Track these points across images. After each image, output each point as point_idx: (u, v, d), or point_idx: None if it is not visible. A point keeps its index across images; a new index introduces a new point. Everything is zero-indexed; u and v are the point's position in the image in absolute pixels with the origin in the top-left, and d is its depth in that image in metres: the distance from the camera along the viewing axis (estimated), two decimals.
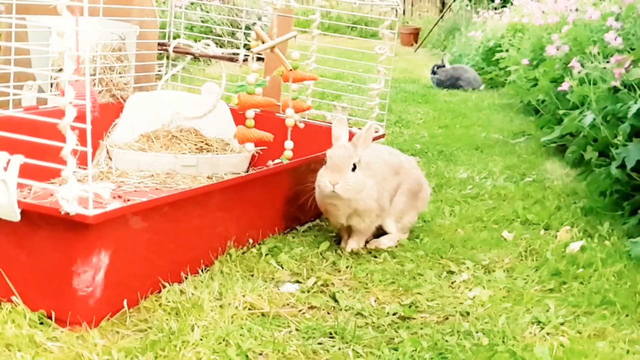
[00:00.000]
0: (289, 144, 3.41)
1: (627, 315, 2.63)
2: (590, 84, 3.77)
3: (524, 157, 5.09)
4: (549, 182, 4.39)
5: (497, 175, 4.54)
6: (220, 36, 7.99)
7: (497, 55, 8.31)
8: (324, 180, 2.92)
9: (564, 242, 3.31)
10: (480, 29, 10.59)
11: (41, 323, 2.24)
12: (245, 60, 4.25)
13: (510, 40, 8.36)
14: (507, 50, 7.90)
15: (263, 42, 3.62)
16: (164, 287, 2.52)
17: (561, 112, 4.39)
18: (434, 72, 9.16)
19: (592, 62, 3.76)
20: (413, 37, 17.14)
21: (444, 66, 9.12)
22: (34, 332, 2.15)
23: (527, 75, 6.09)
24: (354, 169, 2.94)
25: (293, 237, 3.22)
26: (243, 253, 2.92)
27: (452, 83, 8.98)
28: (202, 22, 8.10)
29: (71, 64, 2.03)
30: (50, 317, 2.25)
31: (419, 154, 5.09)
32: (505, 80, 8.06)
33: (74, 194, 2.08)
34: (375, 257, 3.07)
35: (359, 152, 2.99)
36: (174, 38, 4.64)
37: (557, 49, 5.04)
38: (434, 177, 4.43)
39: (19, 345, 2.07)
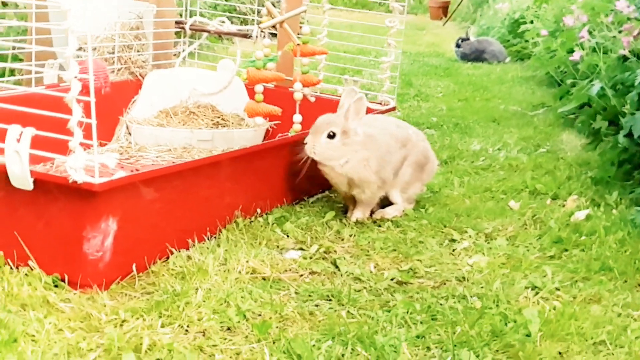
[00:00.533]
0: (297, 117, 3.50)
1: (625, 281, 2.69)
2: (600, 54, 3.79)
3: (540, 128, 5.12)
4: (562, 153, 4.43)
5: (511, 147, 4.59)
6: (245, 14, 8.08)
7: (522, 27, 8.27)
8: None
9: (570, 210, 3.36)
10: (507, 1, 10.53)
11: (56, 286, 2.38)
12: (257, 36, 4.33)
13: (535, 11, 8.31)
14: (531, 22, 7.87)
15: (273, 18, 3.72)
16: (172, 253, 2.64)
17: (569, 82, 4.40)
18: (458, 46, 9.15)
19: (602, 31, 3.77)
20: (442, 10, 17.04)
21: (468, 39, 9.11)
22: (48, 294, 2.28)
23: (548, 46, 6.08)
24: (332, 136, 3.03)
25: (301, 208, 3.32)
26: (250, 222, 3.03)
27: (476, 56, 8.96)
28: (226, 0, 8.18)
29: (74, 41, 2.14)
30: (64, 280, 2.39)
31: (435, 127, 5.15)
32: (531, 52, 8.03)
33: (81, 163, 2.20)
34: (380, 226, 3.17)
35: (352, 123, 3.07)
36: (193, 16, 4.73)
37: (577, 19, 5.03)
38: (447, 149, 4.49)
39: (33, 305, 2.21)
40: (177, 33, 4.68)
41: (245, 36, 4.52)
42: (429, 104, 6.10)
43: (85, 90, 2.26)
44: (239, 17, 8.79)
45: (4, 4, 5.14)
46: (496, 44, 9.16)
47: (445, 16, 16.54)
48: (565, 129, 5.03)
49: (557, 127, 5.13)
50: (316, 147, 3.06)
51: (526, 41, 8.49)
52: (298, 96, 3.52)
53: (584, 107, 4.74)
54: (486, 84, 7.21)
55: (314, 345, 2.11)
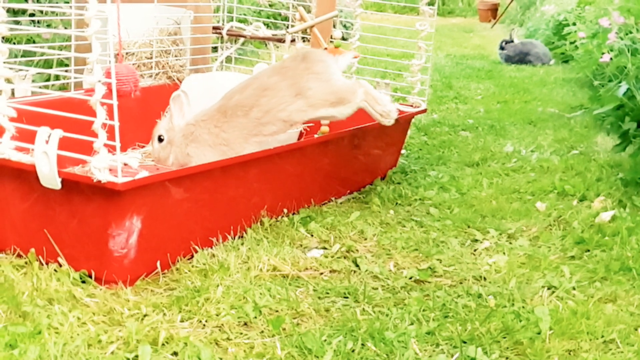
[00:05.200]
0: None
1: None
2: (629, 55, 3.77)
3: (576, 130, 5.09)
4: (595, 154, 4.40)
5: (544, 149, 4.58)
6: (287, 19, 8.18)
7: (566, 29, 8.19)
8: None
9: (596, 212, 3.36)
10: (553, 3, 10.43)
11: (83, 282, 2.49)
12: (292, 41, 4.42)
13: (579, 13, 8.23)
14: (574, 24, 7.80)
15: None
16: (196, 251, 2.73)
17: (596, 83, 4.38)
18: (502, 48, 9.09)
19: (630, 34, 3.75)
20: (491, 13, 16.90)
21: (512, 41, 9.05)
22: (75, 289, 2.40)
23: (586, 48, 6.03)
24: (161, 139, 3.14)
25: (328, 208, 3.38)
26: (276, 221, 3.11)
27: (520, 58, 8.90)
28: (270, 5, 8.30)
29: (98, 45, 2.25)
30: (91, 276, 2.50)
31: (470, 128, 5.15)
32: (575, 54, 7.95)
33: (105, 163, 2.31)
34: (404, 226, 3.21)
35: (175, 121, 3.15)
36: (233, 21, 4.84)
37: (613, 21, 4.99)
38: (480, 151, 4.50)
39: (59, 300, 2.32)
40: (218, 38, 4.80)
41: (280, 41, 4.61)
42: (467, 106, 6.10)
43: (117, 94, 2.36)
44: (284, 24, 8.89)
45: (52, 12, 5.32)
46: (540, 46, 9.08)
47: (495, 18, 16.41)
48: (600, 131, 4.99)
49: (592, 129, 5.09)
50: (153, 153, 3.17)
51: (571, 43, 8.41)
52: None
53: (620, 109, 4.70)
54: (527, 86, 7.17)
55: (325, 340, 2.17)
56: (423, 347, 2.19)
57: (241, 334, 2.23)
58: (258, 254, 2.74)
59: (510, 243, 3.05)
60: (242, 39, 4.74)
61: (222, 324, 2.26)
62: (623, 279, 2.70)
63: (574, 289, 2.61)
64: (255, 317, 2.31)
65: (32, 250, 2.55)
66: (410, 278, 2.67)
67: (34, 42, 4.66)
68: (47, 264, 2.53)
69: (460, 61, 9.17)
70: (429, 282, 2.66)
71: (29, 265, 2.53)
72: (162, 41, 4.36)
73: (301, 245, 2.94)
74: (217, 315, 2.30)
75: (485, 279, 2.70)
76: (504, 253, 2.93)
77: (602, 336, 2.26)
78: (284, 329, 2.26)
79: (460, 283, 2.67)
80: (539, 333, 2.26)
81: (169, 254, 2.62)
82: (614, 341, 2.24)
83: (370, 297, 2.49)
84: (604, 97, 4.00)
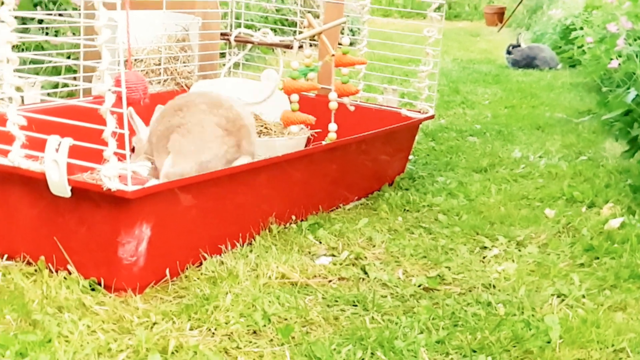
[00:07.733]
0: (332, 126, 3.57)
1: None
2: (638, 61, 3.77)
3: (584, 135, 5.09)
4: (604, 160, 4.39)
5: (552, 155, 4.57)
6: (294, 24, 8.19)
7: (573, 34, 8.18)
8: None
9: (605, 218, 3.35)
10: (560, 7, 10.42)
11: (93, 289, 2.49)
12: (300, 47, 4.42)
13: (587, 17, 8.22)
14: (581, 28, 7.79)
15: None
16: (205, 259, 2.73)
17: (604, 89, 4.37)
18: (509, 52, 9.09)
19: (637, 39, 3.75)
20: (498, 16, 16.89)
21: (519, 46, 9.05)
22: (84, 297, 2.40)
23: (594, 53, 6.03)
24: (133, 150, 3.20)
25: (336, 215, 3.38)
26: (284, 228, 3.11)
27: (527, 63, 8.89)
28: (277, 11, 8.32)
29: (108, 55, 2.26)
30: (100, 284, 2.50)
31: (477, 134, 5.15)
32: (582, 58, 7.94)
33: (115, 171, 2.31)
34: (412, 232, 3.21)
35: (140, 134, 3.26)
36: (241, 28, 4.86)
37: (621, 26, 4.98)
38: (488, 156, 4.50)
39: (69, 308, 2.33)
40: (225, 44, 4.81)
41: (288, 47, 4.62)
42: (474, 111, 6.10)
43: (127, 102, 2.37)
44: (292, 30, 8.91)
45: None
46: (547, 50, 9.07)
47: (501, 22, 16.40)
48: (609, 137, 4.98)
49: (601, 135, 5.09)
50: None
51: (579, 47, 8.40)
52: (333, 105, 3.59)
53: (628, 115, 4.69)
54: (535, 91, 7.16)
55: (334, 349, 2.17)
56: (433, 356, 2.18)
57: (250, 342, 2.23)
58: (267, 262, 2.74)
59: (519, 250, 3.05)
60: (249, 45, 4.75)
61: (232, 332, 2.26)
62: (633, 287, 2.69)
63: (583, 297, 2.60)
64: (265, 326, 2.31)
65: (42, 257, 2.56)
66: (419, 286, 2.67)
67: (42, 48, 4.67)
68: (56, 271, 2.53)
69: (467, 65, 9.17)
70: (438, 290, 2.66)
71: (39, 273, 2.54)
72: (170, 48, 4.37)
73: (310, 253, 2.94)
74: (226, 323, 2.30)
75: (494, 286, 2.69)
76: (513, 260, 2.93)
77: (613, 345, 2.25)
78: (293, 338, 2.26)
79: (470, 291, 2.66)
80: (549, 342, 2.25)
81: (178, 262, 2.62)
82: (624, 350, 2.23)
83: (379, 305, 2.49)
84: (612, 103, 3.99)
